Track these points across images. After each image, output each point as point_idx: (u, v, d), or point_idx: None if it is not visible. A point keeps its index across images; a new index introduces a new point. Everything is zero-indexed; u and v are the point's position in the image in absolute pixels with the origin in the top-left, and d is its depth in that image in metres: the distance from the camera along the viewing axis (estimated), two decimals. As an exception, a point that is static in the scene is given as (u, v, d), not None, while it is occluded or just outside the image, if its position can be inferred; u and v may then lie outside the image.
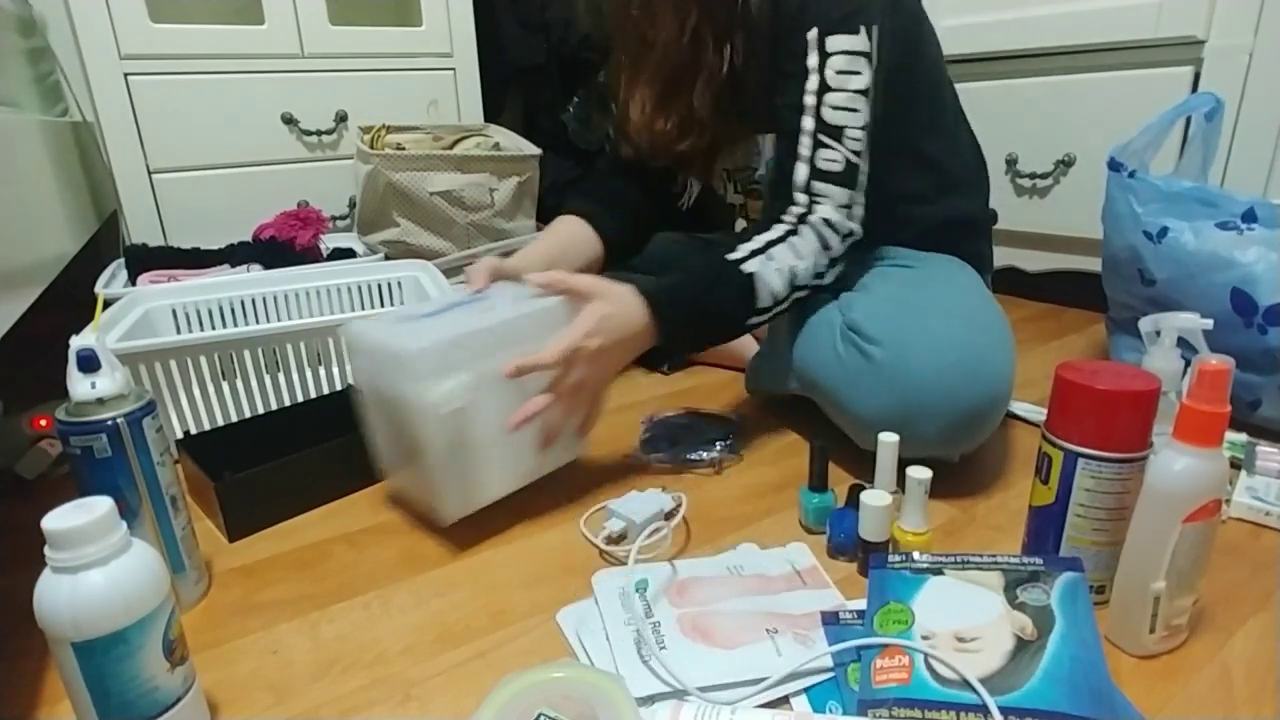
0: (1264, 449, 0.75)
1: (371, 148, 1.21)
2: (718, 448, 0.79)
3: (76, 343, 0.52)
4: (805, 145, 0.74)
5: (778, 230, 0.75)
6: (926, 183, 0.87)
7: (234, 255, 1.16)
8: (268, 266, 1.11)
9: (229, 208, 1.29)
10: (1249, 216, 0.81)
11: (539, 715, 0.42)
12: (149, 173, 1.23)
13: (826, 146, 0.74)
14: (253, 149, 1.31)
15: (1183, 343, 0.67)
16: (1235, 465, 0.73)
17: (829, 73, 0.73)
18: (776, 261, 0.73)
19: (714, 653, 0.50)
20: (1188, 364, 0.55)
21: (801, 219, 0.75)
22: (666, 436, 0.83)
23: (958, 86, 1.34)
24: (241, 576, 0.64)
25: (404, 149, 1.22)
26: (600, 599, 0.57)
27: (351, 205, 1.40)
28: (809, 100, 0.74)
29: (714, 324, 0.75)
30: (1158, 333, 0.68)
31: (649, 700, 0.47)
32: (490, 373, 0.63)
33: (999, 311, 0.77)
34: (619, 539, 0.65)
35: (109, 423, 0.52)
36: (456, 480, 0.64)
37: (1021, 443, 0.83)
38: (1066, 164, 1.23)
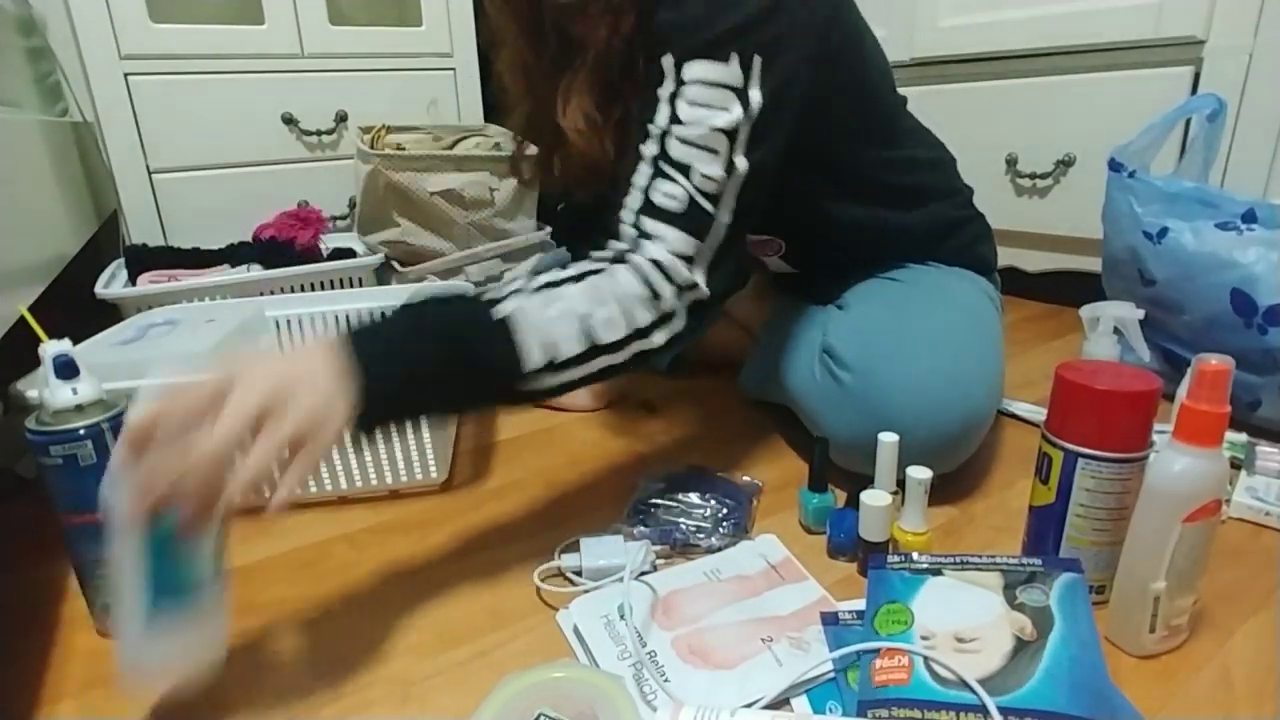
0: (1264, 449, 0.75)
1: (371, 148, 1.21)
2: (720, 530, 0.65)
3: (51, 349, 0.51)
4: (643, 173, 0.62)
5: (574, 269, 0.59)
6: (893, 195, 0.82)
7: (234, 255, 1.16)
8: (268, 267, 1.11)
9: (229, 208, 1.29)
10: (1249, 217, 0.81)
11: (539, 715, 0.42)
12: (149, 173, 1.23)
13: (667, 178, 0.60)
14: (253, 149, 1.30)
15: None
16: (1235, 465, 0.72)
17: (683, 104, 0.60)
18: (557, 306, 0.55)
19: (718, 675, 0.49)
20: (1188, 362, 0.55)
21: (619, 257, 0.60)
22: (659, 508, 0.68)
23: (958, 87, 1.35)
24: (241, 576, 0.64)
25: (404, 149, 1.22)
26: (585, 635, 0.53)
27: (351, 205, 1.40)
28: (655, 130, 0.62)
29: (444, 389, 0.54)
30: (1099, 320, 0.69)
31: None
32: None
33: (987, 327, 0.76)
34: (576, 573, 0.61)
35: (95, 428, 0.51)
36: None
37: (1021, 443, 0.83)
38: (1066, 164, 1.23)
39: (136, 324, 0.79)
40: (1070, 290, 1.32)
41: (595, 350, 0.57)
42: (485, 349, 0.54)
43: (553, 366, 0.55)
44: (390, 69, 1.39)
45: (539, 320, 0.55)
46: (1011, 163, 1.29)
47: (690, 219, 0.60)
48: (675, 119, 0.61)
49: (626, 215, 0.62)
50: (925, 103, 1.35)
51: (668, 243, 0.60)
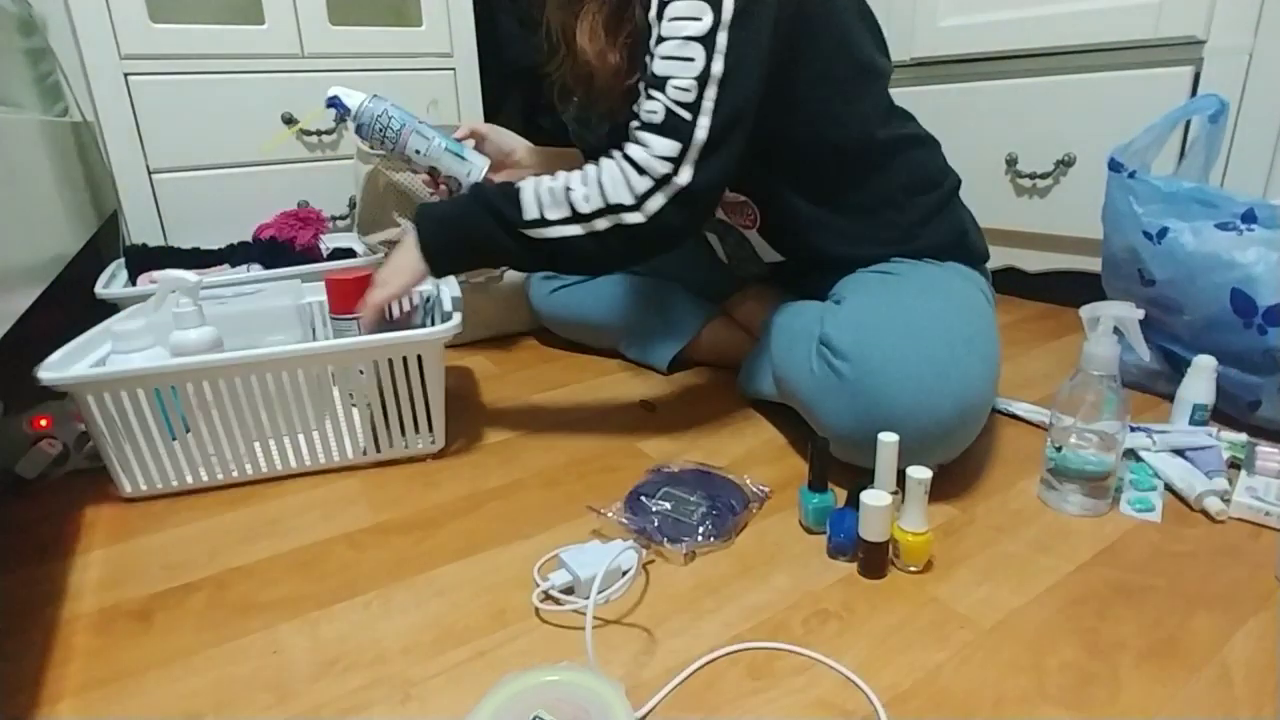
0: (1264, 449, 0.75)
1: (371, 148, 1.21)
2: (699, 533, 0.65)
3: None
4: (641, 97, 0.72)
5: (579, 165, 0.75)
6: (864, 167, 0.83)
7: (234, 255, 1.16)
8: (267, 266, 1.11)
9: (229, 208, 1.29)
10: (1249, 217, 0.81)
11: (534, 717, 0.42)
12: (149, 173, 1.23)
13: (650, 98, 0.71)
14: (253, 149, 1.31)
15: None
16: (1235, 465, 0.73)
17: (664, 23, 0.69)
18: (554, 183, 0.74)
19: None
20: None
21: (611, 154, 0.73)
22: (655, 502, 0.69)
23: (958, 86, 1.35)
24: (241, 576, 0.64)
25: (404, 149, 1.22)
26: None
27: (351, 205, 1.40)
28: (648, 56, 0.71)
29: (478, 235, 0.76)
30: (1099, 320, 0.69)
31: None
32: None
33: (983, 323, 0.76)
34: (568, 591, 0.59)
35: None
36: None
37: (1021, 443, 0.83)
38: (1066, 164, 1.23)
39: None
40: (1070, 290, 1.32)
41: (576, 217, 0.73)
42: (502, 206, 0.75)
43: (543, 221, 0.73)
44: (390, 69, 1.39)
45: (538, 190, 0.74)
46: (1011, 163, 1.29)
47: (670, 128, 0.70)
48: (660, 39, 0.70)
49: (630, 129, 0.73)
50: (925, 103, 1.36)
51: (650, 148, 0.71)
